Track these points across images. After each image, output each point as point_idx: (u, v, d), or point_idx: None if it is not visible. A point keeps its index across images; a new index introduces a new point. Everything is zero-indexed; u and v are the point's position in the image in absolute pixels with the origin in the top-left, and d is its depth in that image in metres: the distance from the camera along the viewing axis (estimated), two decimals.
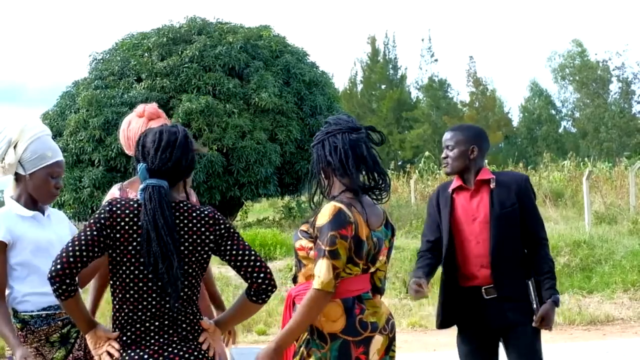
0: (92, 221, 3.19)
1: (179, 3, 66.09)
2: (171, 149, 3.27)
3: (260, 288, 3.23)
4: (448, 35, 72.87)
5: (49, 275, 3.11)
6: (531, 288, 4.47)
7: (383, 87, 48.39)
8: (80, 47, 74.70)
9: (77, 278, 3.15)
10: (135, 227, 3.17)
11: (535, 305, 4.46)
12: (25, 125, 4.02)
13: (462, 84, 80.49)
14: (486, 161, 4.79)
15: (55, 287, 3.12)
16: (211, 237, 3.24)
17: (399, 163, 39.72)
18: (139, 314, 3.21)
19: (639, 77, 47.12)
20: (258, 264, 3.24)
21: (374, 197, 3.66)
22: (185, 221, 3.22)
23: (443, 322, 4.73)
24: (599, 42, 75.20)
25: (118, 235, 3.18)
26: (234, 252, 3.25)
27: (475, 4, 71.44)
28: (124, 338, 3.23)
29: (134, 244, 3.17)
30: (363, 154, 3.60)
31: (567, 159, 25.39)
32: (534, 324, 4.45)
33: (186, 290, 3.23)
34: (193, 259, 3.23)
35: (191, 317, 3.27)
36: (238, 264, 3.25)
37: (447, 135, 4.73)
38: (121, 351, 3.22)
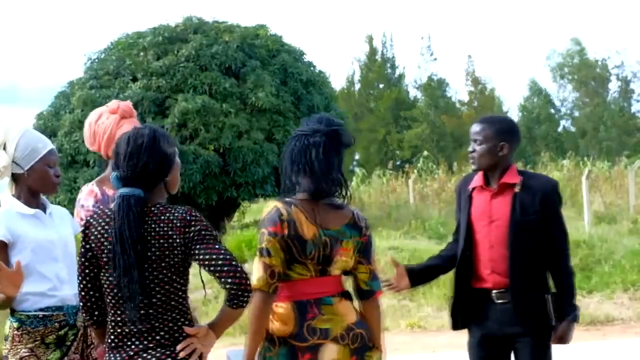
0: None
1: (175, 2, 66.07)
2: (137, 154, 3.23)
3: (231, 294, 3.15)
4: (447, 35, 72.90)
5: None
6: (550, 302, 4.25)
7: (381, 86, 48.33)
8: (76, 47, 74.61)
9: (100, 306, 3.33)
10: (106, 236, 3.21)
11: (554, 322, 4.25)
12: (6, 125, 3.99)
13: (460, 83, 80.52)
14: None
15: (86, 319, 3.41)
16: (178, 240, 3.17)
17: (397, 163, 39.61)
18: (118, 319, 3.22)
19: (638, 76, 47.09)
20: (226, 268, 3.13)
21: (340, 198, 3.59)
22: (154, 225, 3.18)
23: (456, 323, 4.53)
24: (598, 40, 75.32)
25: (93, 245, 3.25)
26: (202, 257, 3.16)
27: (473, 3, 71.48)
28: (109, 341, 3.27)
29: (106, 252, 3.21)
30: (311, 158, 3.48)
31: (566, 158, 25.32)
32: (551, 341, 4.26)
33: (159, 297, 3.19)
34: (163, 264, 3.18)
35: (171, 324, 3.22)
36: (208, 269, 3.17)
37: (475, 128, 4.43)
38: (106, 354, 3.27)
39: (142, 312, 3.18)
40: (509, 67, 74.22)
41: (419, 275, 4.59)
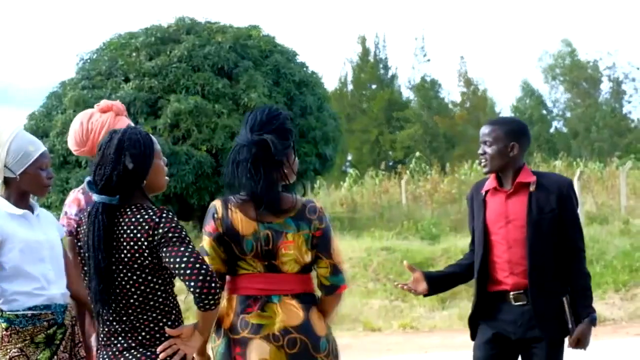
0: None
1: (167, 3, 65.97)
2: (104, 165, 3.26)
3: (195, 297, 3.13)
4: (439, 36, 72.94)
5: None
6: (566, 305, 4.19)
7: (374, 87, 48.32)
8: (68, 47, 74.42)
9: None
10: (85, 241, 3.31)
11: (570, 325, 4.17)
12: None
13: (453, 84, 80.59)
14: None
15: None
16: (146, 243, 3.18)
17: (390, 163, 39.62)
18: (105, 317, 3.26)
19: (630, 77, 47.18)
20: (188, 272, 3.11)
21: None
22: (125, 228, 3.20)
23: (475, 333, 4.41)
24: (589, 42, 75.44)
25: (81, 243, 3.33)
26: (167, 259, 3.16)
27: (466, 5, 71.52)
28: (99, 339, 3.31)
29: (84, 254, 3.30)
30: (238, 174, 3.47)
31: (558, 159, 25.38)
32: (568, 345, 4.20)
33: (136, 297, 3.21)
34: (135, 265, 3.20)
35: (151, 325, 3.24)
36: (175, 272, 3.16)
37: (485, 129, 4.37)
38: (98, 352, 3.34)
39: (122, 312, 3.22)
40: (501, 69, 74.32)
41: (438, 283, 4.50)
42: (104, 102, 4.45)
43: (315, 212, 3.50)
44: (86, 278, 3.30)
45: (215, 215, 3.47)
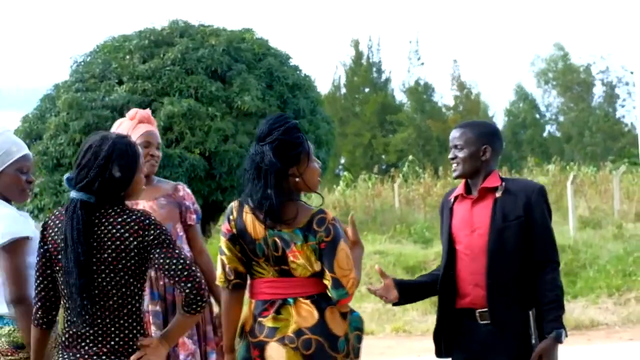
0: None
1: (161, 6, 65.94)
2: (88, 168, 3.26)
3: (188, 299, 3.17)
4: (433, 39, 73.04)
5: None
6: (532, 319, 3.91)
7: (367, 90, 48.35)
8: (62, 50, 74.35)
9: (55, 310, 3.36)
10: (62, 237, 3.24)
11: (534, 340, 3.89)
12: None
13: (446, 87, 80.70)
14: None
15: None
16: (135, 243, 3.18)
17: (383, 167, 39.65)
18: (74, 319, 3.23)
19: (623, 81, 47.28)
20: (186, 273, 3.15)
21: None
22: (110, 227, 3.19)
23: (439, 349, 4.17)
24: (583, 46, 75.60)
25: (49, 246, 3.28)
26: (161, 261, 3.18)
27: (459, 9, 71.54)
28: (61, 340, 3.27)
29: (59, 251, 3.25)
30: (245, 171, 3.60)
31: (551, 163, 25.37)
32: None
33: (115, 299, 3.20)
34: (120, 266, 3.19)
35: (126, 332, 3.23)
36: (167, 273, 3.17)
37: (455, 133, 4.15)
38: (58, 353, 3.28)
39: (96, 314, 3.20)
40: (494, 72, 74.44)
41: (409, 292, 4.25)
42: (132, 111, 4.64)
43: (323, 224, 3.52)
44: (58, 275, 3.28)
45: (231, 217, 3.58)
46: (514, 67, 77.74)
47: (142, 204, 4.55)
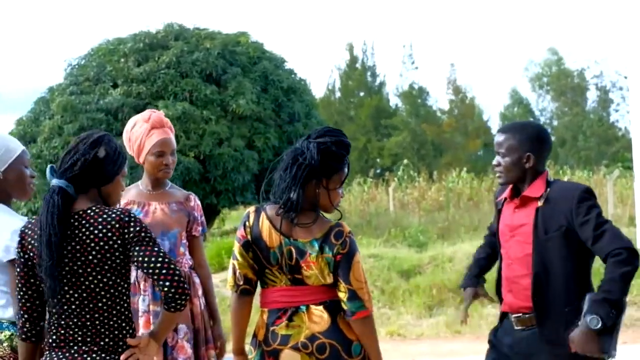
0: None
1: (156, 9, 65.90)
2: (73, 153, 3.27)
3: (167, 296, 3.17)
4: (427, 43, 73.09)
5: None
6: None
7: (361, 94, 48.36)
8: (56, 53, 74.23)
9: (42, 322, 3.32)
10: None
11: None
12: None
13: (440, 91, 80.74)
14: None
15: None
16: (118, 241, 3.18)
17: (378, 171, 39.62)
18: (62, 322, 3.22)
19: (618, 86, 47.36)
20: (164, 271, 3.15)
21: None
22: (92, 228, 3.18)
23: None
24: (577, 51, 75.71)
25: (30, 254, 3.24)
26: (140, 258, 3.18)
27: (453, 13, 71.64)
28: (50, 341, 3.25)
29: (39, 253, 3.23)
30: (275, 176, 3.63)
31: (545, 167, 25.37)
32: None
33: (105, 301, 3.21)
34: (106, 267, 3.18)
35: (116, 332, 3.24)
36: (146, 270, 3.18)
37: (498, 138, 4.03)
38: (46, 353, 3.27)
39: (86, 317, 3.20)
40: (489, 76, 74.49)
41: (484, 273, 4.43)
42: (147, 112, 4.63)
43: (341, 237, 3.52)
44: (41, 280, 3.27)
45: (247, 223, 3.57)
46: (509, 71, 77.82)
47: (155, 205, 4.62)
